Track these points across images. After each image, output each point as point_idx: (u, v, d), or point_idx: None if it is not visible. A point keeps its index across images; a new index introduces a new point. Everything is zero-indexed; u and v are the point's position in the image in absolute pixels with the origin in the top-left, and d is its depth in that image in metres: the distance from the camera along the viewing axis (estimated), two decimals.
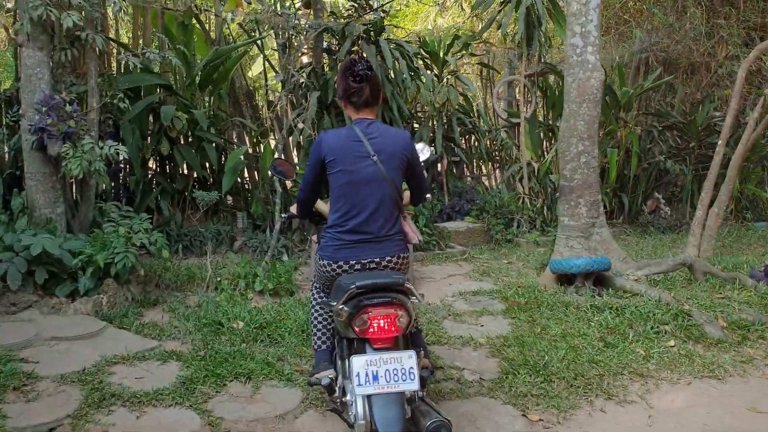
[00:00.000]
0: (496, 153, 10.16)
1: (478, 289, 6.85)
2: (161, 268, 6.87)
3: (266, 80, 9.36)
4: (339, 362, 3.33)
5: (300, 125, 7.39)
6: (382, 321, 2.90)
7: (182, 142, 8.29)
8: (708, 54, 10.58)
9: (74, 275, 5.83)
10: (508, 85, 10.70)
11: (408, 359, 2.83)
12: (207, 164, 8.51)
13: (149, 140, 8.03)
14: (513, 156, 10.22)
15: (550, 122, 10.60)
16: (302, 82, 7.45)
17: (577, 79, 6.82)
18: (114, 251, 5.75)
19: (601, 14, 10.93)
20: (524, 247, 9.15)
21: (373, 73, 3.30)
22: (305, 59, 8.97)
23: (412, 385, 2.83)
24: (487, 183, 10.58)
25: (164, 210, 7.99)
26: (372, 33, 8.25)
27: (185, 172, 8.56)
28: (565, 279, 6.81)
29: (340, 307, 2.92)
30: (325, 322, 3.60)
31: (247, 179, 8.87)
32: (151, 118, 8.22)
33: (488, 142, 10.11)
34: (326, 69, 8.52)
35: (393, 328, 2.90)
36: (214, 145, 8.20)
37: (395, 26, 9.69)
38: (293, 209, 3.82)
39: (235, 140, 9.13)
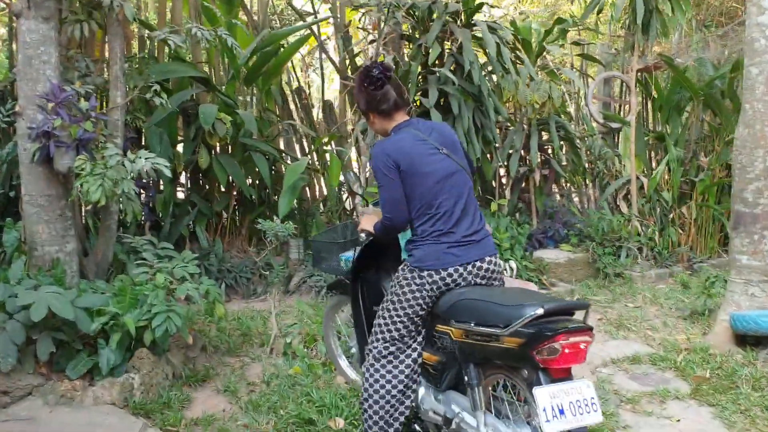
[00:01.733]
0: (592, 164, 8.40)
1: (633, 354, 5.12)
2: (206, 323, 5.10)
3: (322, 75, 7.59)
4: (468, 391, 2.94)
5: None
6: (569, 349, 2.55)
7: (220, 151, 6.51)
8: None
9: (93, 344, 4.05)
10: (603, 83, 8.96)
11: (587, 389, 2.58)
12: (250, 179, 6.72)
13: (181, 149, 6.24)
14: (612, 169, 8.45)
15: (659, 128, 8.85)
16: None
17: (766, 71, 5.07)
18: (150, 310, 3.98)
19: None
20: (639, 283, 7.39)
21: (390, 74, 3.12)
22: (371, 49, 7.19)
23: (597, 417, 2.59)
24: (577, 201, 8.81)
25: (201, 239, 6.19)
26: (463, 14, 6.49)
27: (222, 188, 6.74)
28: (744, 338, 5.08)
29: (513, 330, 2.57)
30: (404, 388, 3.18)
31: (305, 198, 7.05)
32: (180, 120, 6.45)
33: (585, 152, 8.33)
34: (407, 59, 6.75)
35: (582, 357, 2.60)
36: (264, 155, 6.41)
37: (492, 5, 7.90)
38: (367, 226, 3.28)
39: (285, 149, 7.34)
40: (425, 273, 3.01)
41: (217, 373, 4.51)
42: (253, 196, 6.47)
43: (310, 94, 8.17)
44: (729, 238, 5.53)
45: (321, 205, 6.74)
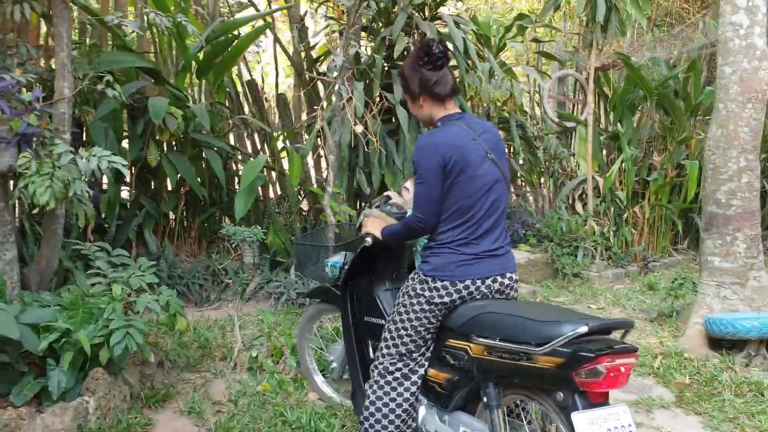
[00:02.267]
0: (547, 164, 8.30)
1: None
2: (159, 335, 4.70)
3: (276, 68, 7.18)
4: (486, 413, 2.68)
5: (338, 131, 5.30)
6: (614, 372, 2.31)
7: (168, 147, 6.05)
8: None
9: (40, 365, 3.61)
10: (558, 82, 8.87)
11: (624, 414, 2.35)
12: (200, 178, 6.28)
13: (127, 145, 5.77)
14: (567, 168, 8.39)
15: (611, 127, 8.83)
16: (351, 70, 5.30)
17: (739, 70, 5.03)
18: (107, 326, 3.56)
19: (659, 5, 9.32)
20: (597, 284, 7.34)
21: (449, 54, 2.90)
22: (328, 40, 6.85)
23: None
24: (532, 200, 8.71)
25: (150, 243, 5.73)
26: (428, 7, 6.23)
27: (170, 188, 6.28)
28: (718, 342, 5.03)
29: (551, 349, 2.33)
30: (409, 407, 2.97)
31: (260, 198, 6.65)
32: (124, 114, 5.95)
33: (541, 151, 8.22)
34: (366, 51, 6.44)
35: (624, 381, 2.35)
36: (217, 152, 5.99)
37: None
38: (373, 230, 3.06)
39: (236, 145, 6.92)
40: (440, 284, 2.78)
41: (178, 392, 4.11)
42: (205, 196, 6.03)
43: (263, 88, 7.76)
44: (700, 240, 5.47)
45: (276, 205, 6.36)
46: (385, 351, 2.97)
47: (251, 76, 7.08)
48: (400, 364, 2.94)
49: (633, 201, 8.31)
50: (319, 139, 6.26)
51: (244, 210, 5.44)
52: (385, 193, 3.48)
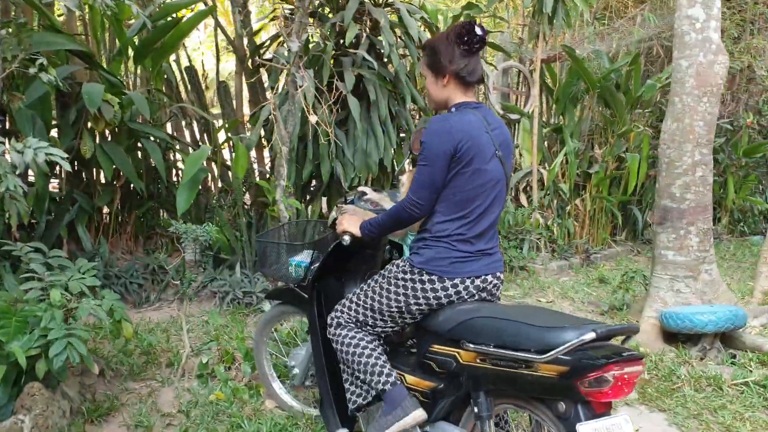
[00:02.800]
0: None
1: None
2: (98, 340, 4.35)
3: (218, 53, 6.80)
4: (476, 424, 2.53)
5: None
6: (620, 381, 2.18)
7: (102, 137, 5.63)
8: None
9: None
10: (503, 73, 8.80)
11: (626, 424, 2.21)
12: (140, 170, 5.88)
13: (58, 135, 5.33)
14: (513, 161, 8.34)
15: (553, 119, 8.82)
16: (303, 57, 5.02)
17: (695, 64, 5.03)
18: (44, 335, 3.22)
19: None
20: (543, 276, 7.33)
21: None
22: (272, 26, 6.54)
23: None
24: None
25: (84, 240, 5.32)
26: None
27: (104, 180, 5.86)
28: (673, 335, 5.05)
29: (554, 357, 2.17)
30: (384, 354, 2.83)
31: (200, 191, 6.29)
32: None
33: None
34: (313, 39, 6.16)
35: (630, 389, 2.23)
36: (156, 143, 5.62)
37: None
38: (350, 227, 2.84)
39: (175, 134, 6.52)
40: (428, 278, 2.64)
41: (123, 404, 3.80)
42: (143, 190, 5.64)
43: (204, 74, 7.36)
44: (653, 233, 5.47)
45: (219, 198, 6.02)
46: (346, 311, 2.88)
47: (190, 61, 6.70)
48: (356, 329, 2.86)
49: (575, 193, 8.35)
50: (264, 129, 5.97)
51: (187, 205, 5.11)
52: (359, 189, 3.25)
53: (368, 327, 2.82)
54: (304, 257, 3.31)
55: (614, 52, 9.55)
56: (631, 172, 8.20)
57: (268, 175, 6.38)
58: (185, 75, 6.57)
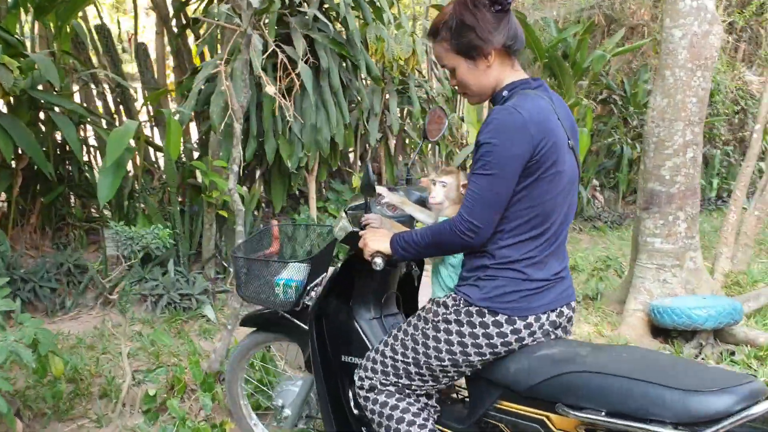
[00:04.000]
0: None
1: None
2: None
3: (135, 10, 5.76)
4: None
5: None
6: None
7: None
8: (654, 17, 9.00)
9: None
10: None
11: None
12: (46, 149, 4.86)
13: None
14: (457, 135, 7.78)
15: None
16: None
17: (689, 34, 4.58)
18: None
19: None
20: None
21: None
22: None
23: None
24: (420, 171, 8.02)
25: None
26: None
27: None
28: (662, 330, 4.68)
29: None
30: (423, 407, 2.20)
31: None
32: None
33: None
34: None
35: None
36: (68, 116, 4.63)
37: None
38: (379, 245, 2.13)
39: (85, 105, 5.48)
40: (494, 318, 1.99)
41: None
42: (51, 173, 4.66)
43: (121, 35, 6.29)
44: (636, 219, 5.06)
45: (143, 182, 5.08)
46: (379, 371, 2.22)
47: (102, 19, 5.65)
48: (396, 393, 2.20)
49: None
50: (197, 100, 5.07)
51: (112, 192, 4.22)
52: (378, 190, 2.51)
53: (412, 388, 2.17)
54: (294, 274, 2.57)
55: (560, 20, 9.14)
56: (581, 147, 7.82)
57: (198, 154, 5.50)
58: (96, 35, 5.54)
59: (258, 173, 5.52)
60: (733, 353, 4.48)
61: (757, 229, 6.45)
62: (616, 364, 1.84)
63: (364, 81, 5.96)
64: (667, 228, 4.80)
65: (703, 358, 4.46)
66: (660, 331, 4.72)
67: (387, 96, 6.27)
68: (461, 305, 2.04)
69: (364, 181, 2.15)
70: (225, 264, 5.17)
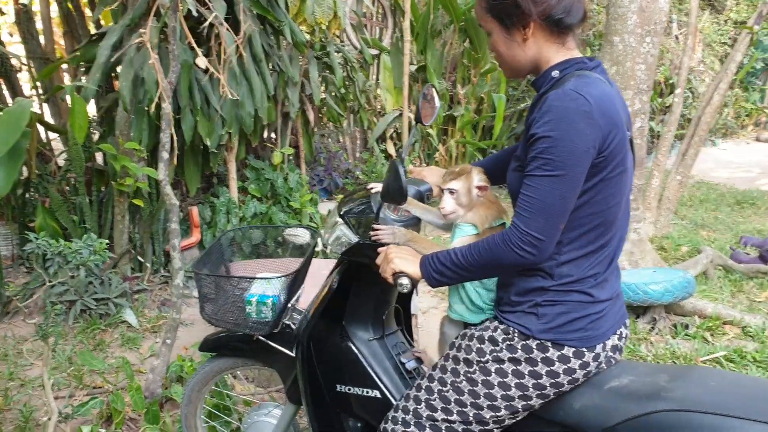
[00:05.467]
0: (353, 98, 7.16)
1: None
2: None
3: None
4: None
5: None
6: None
7: None
8: None
9: None
10: (357, 1, 7.64)
11: None
12: None
13: None
14: (374, 103, 7.37)
15: (418, 56, 7.90)
16: None
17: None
18: None
19: None
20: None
21: None
22: None
23: None
24: (338, 141, 7.55)
25: None
26: None
27: None
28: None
29: None
30: None
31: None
32: None
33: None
34: None
35: None
36: None
37: None
38: (406, 267, 1.72)
39: None
40: (560, 352, 1.64)
41: None
42: None
43: None
44: None
45: (33, 169, 4.32)
46: (407, 426, 1.78)
47: None
48: None
49: (438, 138, 7.64)
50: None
51: (9, 185, 3.51)
52: (369, 187, 2.10)
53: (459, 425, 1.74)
54: (269, 288, 2.12)
55: None
56: (498, 115, 7.62)
57: (98, 134, 4.79)
58: None
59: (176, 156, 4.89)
60: (687, 326, 4.43)
61: (679, 193, 6.52)
62: (710, 397, 1.54)
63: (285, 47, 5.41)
64: None
65: (657, 333, 4.39)
66: None
67: (306, 63, 5.76)
68: (515, 339, 1.67)
69: (393, 185, 1.70)
70: (141, 259, 4.56)
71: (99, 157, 4.79)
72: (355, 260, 1.98)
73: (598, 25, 9.75)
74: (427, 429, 1.74)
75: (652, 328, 4.42)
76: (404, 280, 1.72)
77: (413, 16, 7.65)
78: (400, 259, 1.73)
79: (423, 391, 1.78)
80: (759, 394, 1.58)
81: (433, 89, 2.21)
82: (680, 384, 1.60)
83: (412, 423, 1.76)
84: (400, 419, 1.79)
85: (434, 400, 1.74)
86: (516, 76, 1.78)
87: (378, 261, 1.81)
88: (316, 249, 2.38)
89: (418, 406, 1.77)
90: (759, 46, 15.59)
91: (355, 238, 1.95)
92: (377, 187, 2.04)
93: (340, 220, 2.00)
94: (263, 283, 2.14)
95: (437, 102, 2.22)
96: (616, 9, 4.48)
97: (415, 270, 1.72)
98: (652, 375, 1.68)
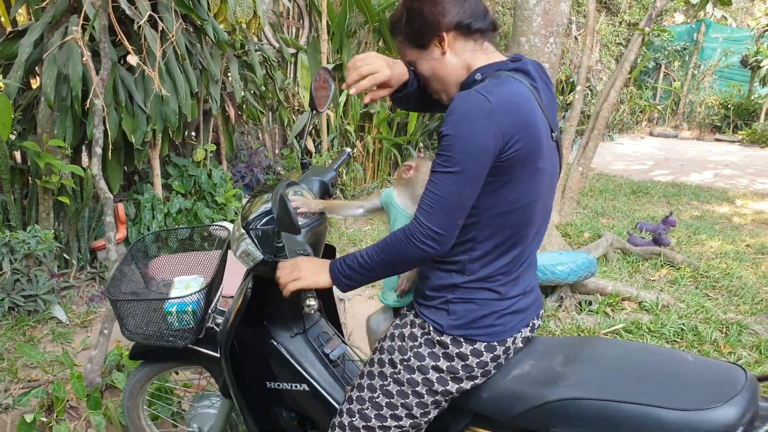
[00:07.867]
0: (271, 97, 7.26)
1: None
2: None
3: None
4: None
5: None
6: None
7: None
8: None
9: None
10: (273, 1, 7.74)
11: None
12: None
13: None
14: (293, 101, 7.51)
15: (334, 55, 8.07)
16: None
17: (543, 1, 4.74)
18: None
19: None
20: (344, 226, 6.81)
21: None
22: None
23: None
24: (256, 139, 7.63)
25: None
26: None
27: None
28: None
29: None
30: None
31: None
32: None
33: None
34: None
35: None
36: None
37: None
38: (311, 278, 1.79)
39: None
40: (472, 347, 1.75)
41: None
42: None
43: None
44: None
45: None
46: (350, 429, 1.88)
47: None
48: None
49: (356, 135, 7.86)
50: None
51: None
52: (293, 199, 2.07)
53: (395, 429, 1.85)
54: (185, 297, 2.13)
55: None
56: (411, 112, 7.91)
57: (17, 133, 4.75)
58: None
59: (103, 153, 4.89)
60: (590, 303, 4.82)
61: (581, 184, 6.99)
62: (605, 382, 1.66)
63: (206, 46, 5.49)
64: None
65: (564, 310, 4.76)
66: None
67: (226, 61, 5.85)
68: (432, 335, 1.77)
69: (284, 219, 1.69)
70: (66, 257, 4.56)
71: (17, 156, 4.76)
72: (262, 276, 2.01)
73: (503, 26, 10.21)
74: (362, 419, 1.84)
75: (560, 305, 4.80)
76: (311, 301, 1.76)
77: (329, 16, 7.83)
78: (303, 270, 1.80)
79: (355, 402, 1.87)
80: (647, 366, 1.72)
81: (328, 74, 2.25)
82: (575, 369, 1.73)
83: (354, 417, 1.85)
84: (345, 414, 1.89)
85: (367, 408, 1.84)
86: (447, 91, 1.82)
87: (278, 277, 1.84)
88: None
89: (353, 419, 1.85)
90: (650, 47, 16.66)
91: (260, 255, 1.95)
92: (294, 199, 2.06)
93: (244, 232, 2.00)
94: (180, 290, 2.23)
95: (332, 86, 2.26)
96: (522, 11, 4.82)
97: (324, 279, 1.78)
98: (550, 357, 1.80)
